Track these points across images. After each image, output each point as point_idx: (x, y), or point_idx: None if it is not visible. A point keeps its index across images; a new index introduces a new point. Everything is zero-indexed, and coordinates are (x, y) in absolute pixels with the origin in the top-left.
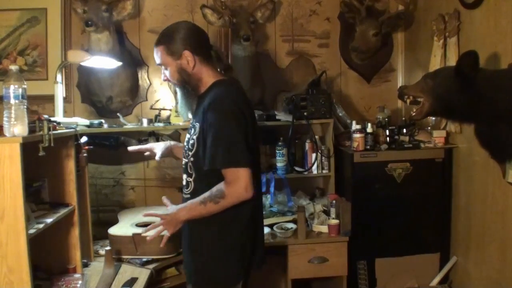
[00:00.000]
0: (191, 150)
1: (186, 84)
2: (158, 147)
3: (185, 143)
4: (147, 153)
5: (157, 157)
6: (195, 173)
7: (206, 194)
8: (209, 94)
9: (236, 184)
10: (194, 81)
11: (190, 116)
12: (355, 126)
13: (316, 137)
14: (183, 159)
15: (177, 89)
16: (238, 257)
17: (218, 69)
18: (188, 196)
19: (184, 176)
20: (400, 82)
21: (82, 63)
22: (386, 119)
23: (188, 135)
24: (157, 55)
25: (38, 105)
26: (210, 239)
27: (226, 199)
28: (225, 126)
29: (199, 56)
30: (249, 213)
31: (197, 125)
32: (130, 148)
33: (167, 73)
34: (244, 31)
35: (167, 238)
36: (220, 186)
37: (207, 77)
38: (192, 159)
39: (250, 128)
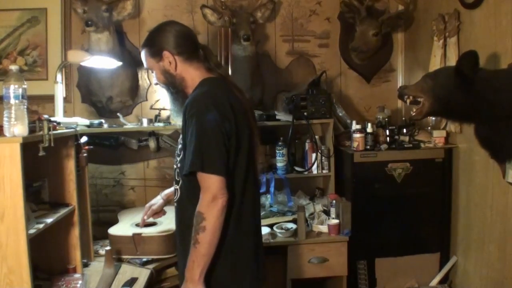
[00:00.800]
0: (179, 156)
1: (172, 86)
2: (157, 204)
3: (176, 149)
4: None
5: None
6: (181, 179)
7: (192, 232)
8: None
9: (205, 195)
10: (178, 82)
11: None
12: (355, 126)
13: (316, 137)
14: (174, 165)
15: (167, 92)
16: (228, 267)
17: (208, 67)
18: (175, 204)
19: (174, 183)
20: (400, 82)
21: (82, 63)
22: (386, 119)
23: (179, 140)
24: (143, 59)
25: (38, 105)
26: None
27: (207, 219)
28: (200, 127)
29: (180, 56)
30: (230, 220)
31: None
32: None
33: (154, 76)
34: (244, 31)
35: None
36: (196, 212)
37: (193, 77)
38: (179, 164)
39: (234, 129)
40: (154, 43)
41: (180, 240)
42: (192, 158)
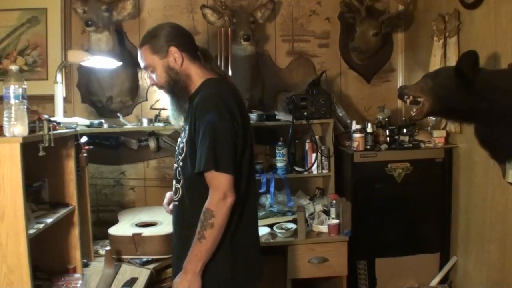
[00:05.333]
0: (181, 155)
1: (175, 84)
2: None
3: (176, 148)
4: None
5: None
6: (183, 178)
7: (198, 228)
8: (198, 94)
9: (215, 193)
10: (183, 80)
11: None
12: (355, 126)
13: (316, 137)
14: (174, 164)
15: (167, 94)
16: (228, 263)
17: (209, 68)
18: (176, 203)
19: (174, 182)
20: (400, 82)
21: (82, 63)
22: (386, 119)
23: (179, 139)
24: (141, 58)
25: (38, 105)
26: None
27: (216, 216)
28: (213, 127)
29: (186, 53)
30: (233, 218)
31: (187, 127)
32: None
33: (153, 76)
34: (244, 31)
35: None
36: (204, 208)
37: (196, 75)
38: (181, 163)
39: (241, 129)
40: (159, 39)
41: (180, 238)
42: (206, 157)
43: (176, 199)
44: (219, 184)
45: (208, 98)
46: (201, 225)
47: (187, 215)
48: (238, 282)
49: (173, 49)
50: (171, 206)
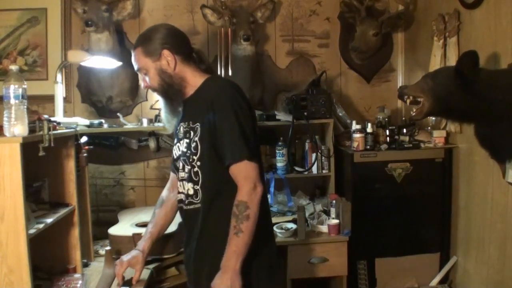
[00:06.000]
0: (195, 155)
1: (169, 87)
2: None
3: (180, 152)
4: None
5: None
6: (202, 178)
7: (233, 222)
8: (205, 91)
9: (246, 184)
10: (177, 83)
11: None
12: (355, 126)
13: (316, 137)
14: (183, 169)
15: (160, 97)
16: (266, 260)
17: (204, 69)
18: (198, 205)
19: (189, 185)
20: (400, 82)
21: (82, 63)
22: (386, 119)
23: (183, 142)
24: (134, 60)
25: (38, 105)
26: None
27: (251, 207)
28: (237, 118)
29: (179, 56)
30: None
31: (197, 125)
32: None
33: (147, 78)
34: (244, 31)
35: None
36: (237, 201)
37: (192, 76)
38: (198, 163)
39: (254, 120)
40: (152, 41)
41: (199, 240)
42: (239, 148)
43: (197, 201)
44: (249, 174)
45: (224, 91)
46: (235, 219)
47: (213, 214)
48: (276, 279)
49: (166, 52)
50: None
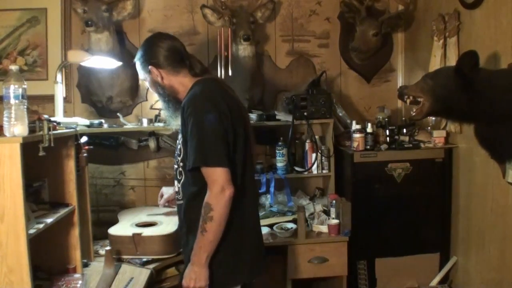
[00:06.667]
0: (179, 156)
1: (164, 94)
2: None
3: (176, 149)
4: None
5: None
6: (184, 177)
7: (200, 221)
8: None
9: (213, 187)
10: (170, 91)
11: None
12: (355, 126)
13: (316, 137)
14: (174, 165)
15: (160, 100)
16: (231, 254)
17: (195, 74)
18: (181, 202)
19: (175, 182)
20: (400, 82)
21: (82, 63)
22: (386, 119)
23: (177, 141)
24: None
25: (38, 105)
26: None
27: (215, 209)
28: (199, 124)
29: (164, 69)
30: (234, 212)
31: (180, 129)
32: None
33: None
34: (244, 31)
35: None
36: (204, 203)
37: (181, 84)
38: (181, 164)
39: (231, 124)
40: (141, 58)
41: (188, 236)
42: (194, 155)
43: (179, 198)
44: (215, 178)
45: (193, 98)
46: (202, 219)
47: (192, 213)
48: (243, 274)
49: (152, 68)
50: (162, 201)
